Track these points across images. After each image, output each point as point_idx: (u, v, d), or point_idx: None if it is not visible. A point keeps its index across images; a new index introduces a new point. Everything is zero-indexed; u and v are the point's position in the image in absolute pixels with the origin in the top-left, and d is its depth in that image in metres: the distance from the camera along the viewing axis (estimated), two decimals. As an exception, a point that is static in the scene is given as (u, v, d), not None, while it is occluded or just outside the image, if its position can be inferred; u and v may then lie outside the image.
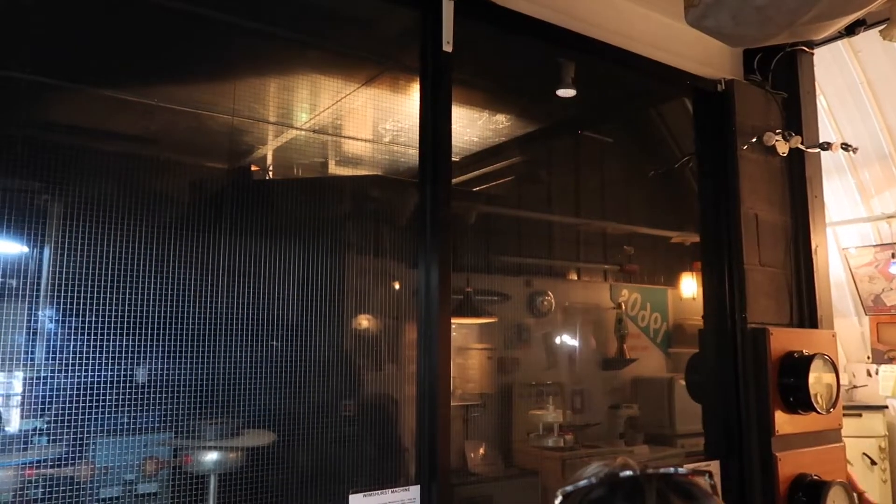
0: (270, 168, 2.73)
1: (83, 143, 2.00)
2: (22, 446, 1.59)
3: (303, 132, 2.73)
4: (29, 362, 1.62)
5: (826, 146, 2.89)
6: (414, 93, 2.11)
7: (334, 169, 2.93)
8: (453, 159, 2.14)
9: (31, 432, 1.61)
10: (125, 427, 1.66)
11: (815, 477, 2.48)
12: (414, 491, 1.82)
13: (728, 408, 2.60)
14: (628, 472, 0.77)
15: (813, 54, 3.03)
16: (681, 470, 0.78)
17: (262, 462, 1.81)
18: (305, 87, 2.60)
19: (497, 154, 3.69)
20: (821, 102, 4.85)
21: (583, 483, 0.78)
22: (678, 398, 4.00)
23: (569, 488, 0.78)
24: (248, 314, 1.90)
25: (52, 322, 1.63)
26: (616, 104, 3.53)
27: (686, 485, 0.77)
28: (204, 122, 2.39)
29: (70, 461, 1.57)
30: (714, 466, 2.55)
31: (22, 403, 1.62)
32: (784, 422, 2.51)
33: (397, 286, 2.26)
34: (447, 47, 2.03)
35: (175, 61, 2.26)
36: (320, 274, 2.05)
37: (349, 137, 2.94)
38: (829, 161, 5.03)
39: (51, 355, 1.63)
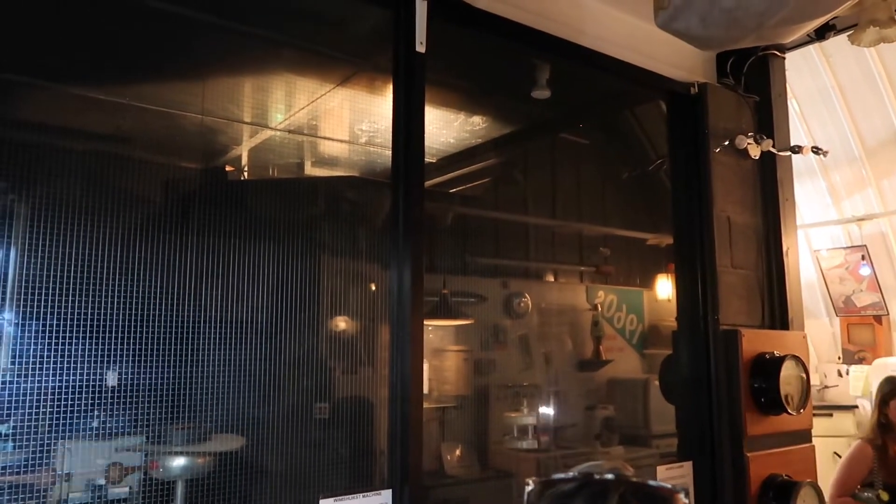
0: (244, 168, 2.70)
1: (51, 141, 1.96)
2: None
3: (277, 132, 2.71)
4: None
5: (797, 149, 2.92)
6: (389, 93, 2.10)
7: (310, 169, 2.90)
8: (429, 160, 2.13)
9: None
10: (90, 432, 1.62)
11: (786, 477, 2.51)
12: (385, 495, 1.81)
13: (700, 409, 2.62)
14: (604, 476, 0.77)
15: (785, 58, 3.06)
16: (655, 483, 0.78)
17: (231, 467, 1.78)
18: (279, 86, 2.57)
19: (473, 156, 3.68)
20: (792, 106, 4.91)
21: (560, 475, 0.78)
22: (653, 399, 4.01)
23: (548, 478, 0.79)
24: (219, 316, 1.87)
25: (16, 325, 1.59)
26: (591, 106, 3.54)
27: (652, 496, 0.78)
28: (176, 121, 2.35)
29: (31, 467, 1.54)
30: (687, 467, 2.56)
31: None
32: (755, 422, 2.53)
33: (372, 288, 2.24)
34: (420, 48, 2.02)
35: (146, 59, 2.22)
36: (292, 275, 2.03)
37: (324, 138, 2.91)
38: (801, 164, 5.10)
39: (14, 359, 1.59)
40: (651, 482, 0.79)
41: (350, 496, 1.75)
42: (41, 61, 1.98)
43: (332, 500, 1.72)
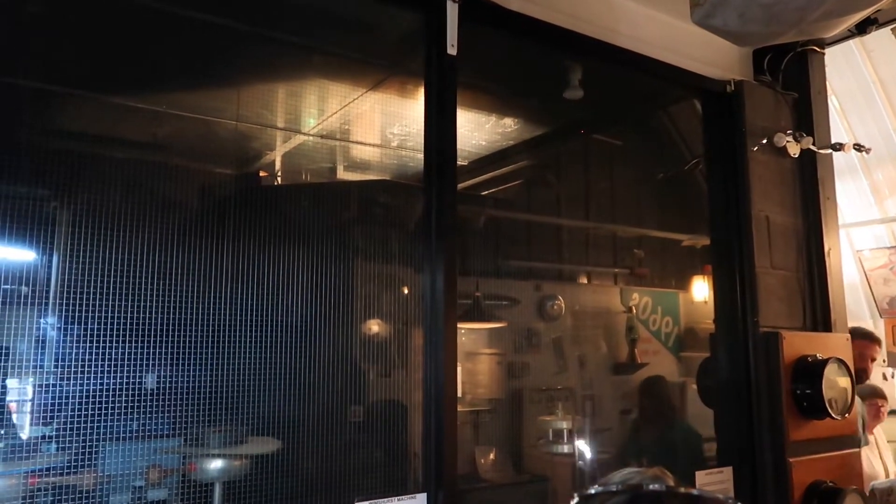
0: (278, 173, 2.72)
1: (91, 150, 2.00)
2: (29, 453, 1.58)
3: (310, 137, 2.73)
4: (36, 369, 1.62)
5: (838, 147, 2.85)
6: (421, 97, 2.10)
7: (342, 174, 2.92)
8: (461, 163, 2.12)
9: (38, 439, 1.60)
10: (130, 434, 1.65)
11: (831, 484, 2.44)
12: (420, 499, 1.81)
13: (740, 413, 2.56)
14: (655, 486, 0.75)
15: (824, 54, 2.99)
16: (709, 494, 0.76)
17: (267, 469, 1.79)
18: (311, 92, 2.59)
19: (505, 158, 3.67)
20: (832, 103, 4.80)
21: (610, 488, 0.76)
22: (690, 403, 3.94)
23: (591, 490, 0.77)
24: (255, 320, 1.89)
25: (59, 329, 1.63)
26: (624, 106, 3.50)
27: None
28: (211, 127, 2.38)
29: (73, 469, 1.57)
30: (727, 473, 2.51)
31: (30, 410, 1.62)
32: (797, 427, 2.47)
33: (405, 291, 2.25)
34: (452, 50, 2.02)
35: (182, 68, 2.26)
36: (327, 279, 2.04)
37: (356, 142, 2.93)
38: (842, 162, 4.98)
39: (57, 362, 1.63)
40: (704, 492, 0.77)
41: (385, 499, 1.75)
42: (80, 72, 2.03)
43: (367, 503, 1.72)
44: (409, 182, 2.69)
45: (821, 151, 2.85)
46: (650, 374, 3.95)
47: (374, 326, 2.19)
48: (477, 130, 3.36)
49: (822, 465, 2.50)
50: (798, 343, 2.56)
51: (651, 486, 0.75)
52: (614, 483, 0.77)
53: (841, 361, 2.54)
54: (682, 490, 0.75)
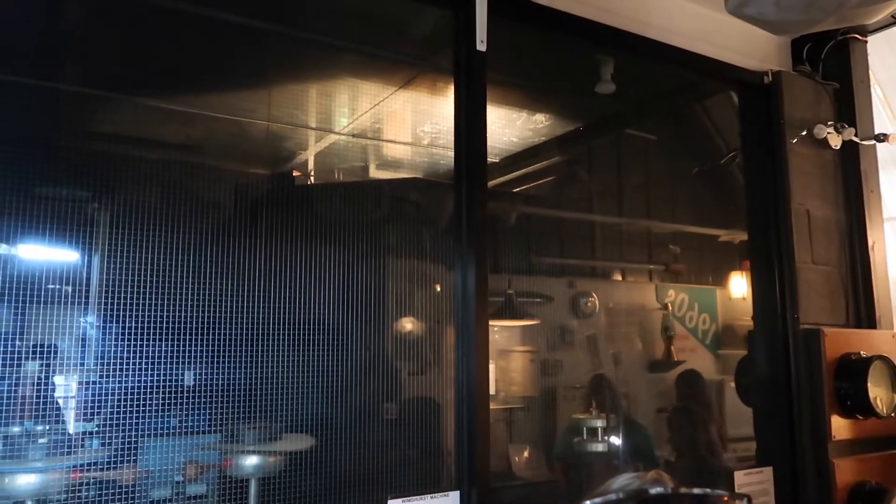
0: (311, 173, 2.75)
1: (128, 152, 2.04)
2: (71, 449, 1.62)
3: (342, 137, 2.74)
4: (78, 367, 1.65)
5: (882, 138, 2.77)
6: (451, 94, 2.09)
7: (374, 172, 2.93)
8: (492, 160, 2.11)
9: (80, 435, 1.64)
10: (168, 431, 1.68)
11: (876, 484, 2.37)
12: (453, 496, 1.80)
13: (781, 412, 2.51)
14: (659, 489, 0.74)
15: (866, 42, 2.91)
16: (715, 492, 0.75)
17: (301, 466, 1.81)
18: (343, 91, 2.61)
19: (537, 154, 3.65)
20: (876, 92, 4.65)
21: (610, 497, 0.75)
22: (728, 401, 3.87)
23: (596, 500, 0.75)
24: (289, 318, 1.90)
25: (98, 328, 1.66)
26: (658, 100, 3.45)
27: None
28: (244, 128, 2.41)
29: (115, 463, 1.60)
30: (766, 473, 2.46)
31: (73, 407, 1.65)
32: (841, 427, 2.40)
33: (436, 289, 2.25)
34: (481, 46, 2.01)
35: (216, 70, 2.29)
36: (359, 277, 2.05)
37: (388, 140, 2.94)
38: (886, 153, 4.82)
39: (98, 360, 1.66)
40: (709, 491, 0.75)
41: (418, 497, 1.75)
42: (117, 75, 2.07)
43: (400, 500, 1.73)
44: (440, 180, 2.69)
45: (864, 143, 2.77)
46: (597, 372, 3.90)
47: (407, 324, 2.19)
48: (508, 127, 3.35)
49: (867, 465, 2.43)
50: (841, 340, 2.49)
51: (655, 490, 0.73)
52: (614, 491, 0.76)
53: (886, 359, 2.47)
54: (684, 490, 0.74)
